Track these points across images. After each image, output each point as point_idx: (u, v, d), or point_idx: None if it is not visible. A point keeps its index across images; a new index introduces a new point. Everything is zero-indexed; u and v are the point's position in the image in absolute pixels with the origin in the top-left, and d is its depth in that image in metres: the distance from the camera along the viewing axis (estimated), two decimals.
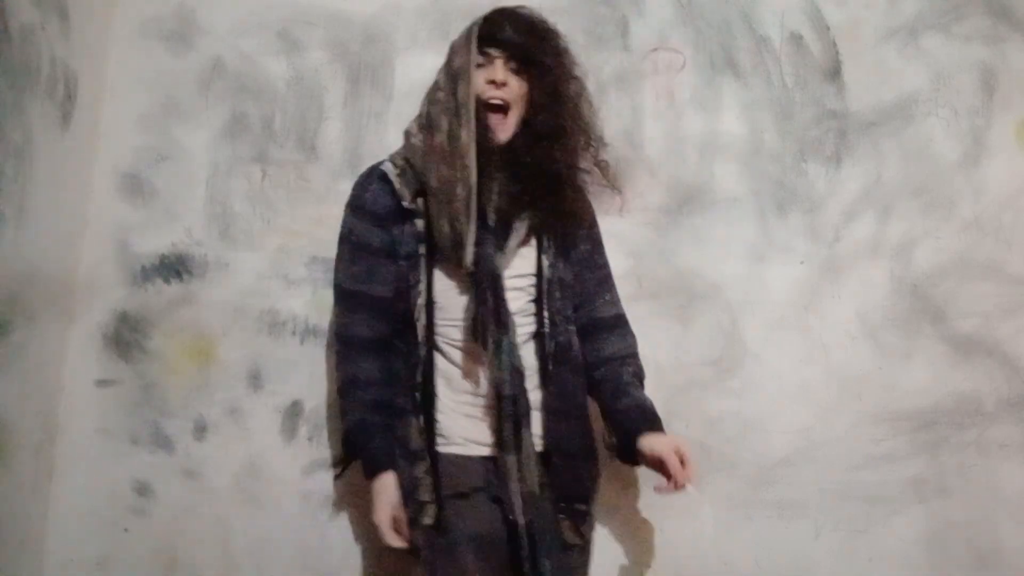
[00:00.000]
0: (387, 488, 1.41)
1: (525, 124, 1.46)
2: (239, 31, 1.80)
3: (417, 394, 1.41)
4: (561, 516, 1.42)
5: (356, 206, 1.50)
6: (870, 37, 1.85)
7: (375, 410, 1.43)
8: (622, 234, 1.78)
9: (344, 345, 1.48)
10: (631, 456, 1.45)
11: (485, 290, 1.39)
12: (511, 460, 1.37)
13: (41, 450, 1.66)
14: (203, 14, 1.80)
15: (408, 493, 1.39)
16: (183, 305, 1.76)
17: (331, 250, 1.75)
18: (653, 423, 1.45)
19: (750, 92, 1.83)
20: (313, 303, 1.77)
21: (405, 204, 1.44)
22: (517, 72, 1.45)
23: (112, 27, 1.78)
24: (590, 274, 1.54)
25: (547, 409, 1.44)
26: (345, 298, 1.49)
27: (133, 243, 1.77)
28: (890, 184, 1.83)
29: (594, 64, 1.80)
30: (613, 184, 1.62)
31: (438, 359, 1.44)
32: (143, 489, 1.74)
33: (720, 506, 1.75)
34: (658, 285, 1.79)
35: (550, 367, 1.45)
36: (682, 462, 1.39)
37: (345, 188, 1.76)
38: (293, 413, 1.75)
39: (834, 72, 1.84)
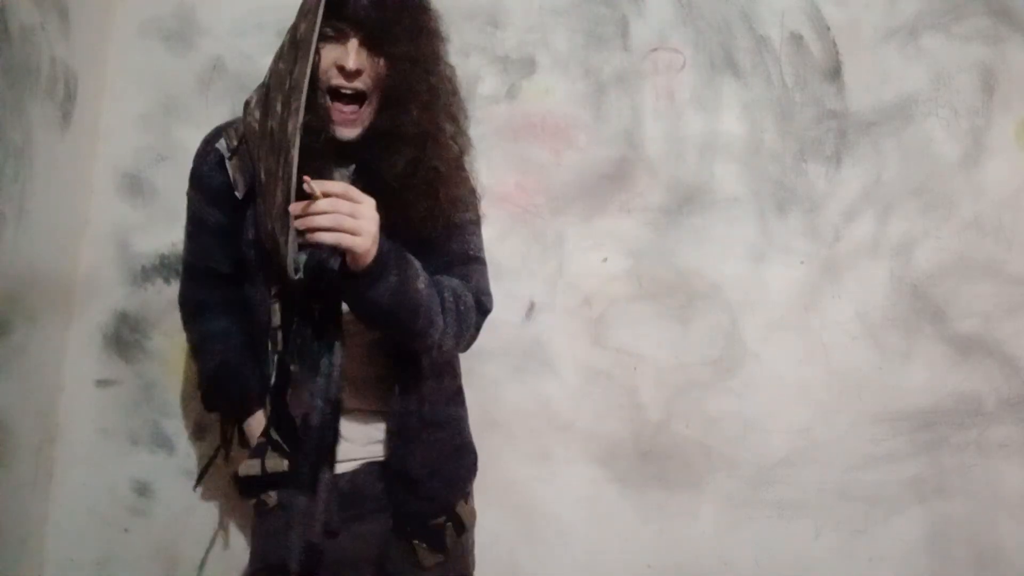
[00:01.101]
0: (253, 431, 1.31)
1: (376, 124, 1.20)
2: (239, 31, 1.80)
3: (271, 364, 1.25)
4: (416, 542, 1.29)
5: (193, 176, 1.33)
6: (870, 37, 1.85)
7: (238, 353, 1.31)
8: (622, 234, 1.78)
9: (193, 312, 1.39)
10: None
11: (311, 303, 1.20)
12: (301, 502, 1.21)
13: (41, 450, 1.66)
14: (203, 14, 1.80)
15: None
16: None
17: None
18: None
19: (750, 92, 1.83)
20: None
21: (238, 195, 1.24)
22: (375, 52, 1.17)
23: (112, 27, 1.78)
24: (434, 260, 1.25)
25: (394, 423, 1.28)
26: (189, 269, 1.40)
27: (133, 243, 1.77)
28: (890, 184, 1.83)
29: (594, 64, 1.81)
30: (470, 192, 1.33)
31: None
32: (143, 489, 1.74)
33: (720, 506, 1.75)
34: (658, 285, 1.79)
35: (394, 375, 1.27)
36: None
37: None
38: None
39: (834, 72, 1.84)
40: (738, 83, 1.83)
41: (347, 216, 1.03)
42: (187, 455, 1.74)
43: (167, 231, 1.77)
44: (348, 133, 1.19)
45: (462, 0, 1.81)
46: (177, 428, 1.74)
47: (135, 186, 1.78)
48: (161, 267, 1.76)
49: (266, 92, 1.19)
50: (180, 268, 1.46)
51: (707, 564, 1.75)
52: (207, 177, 1.29)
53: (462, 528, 1.35)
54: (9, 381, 1.52)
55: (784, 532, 1.75)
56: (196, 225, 1.34)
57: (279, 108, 1.12)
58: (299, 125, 1.07)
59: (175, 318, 1.74)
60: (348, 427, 1.28)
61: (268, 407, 1.27)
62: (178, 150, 1.78)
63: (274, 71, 1.19)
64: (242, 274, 1.30)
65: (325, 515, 1.23)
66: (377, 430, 1.32)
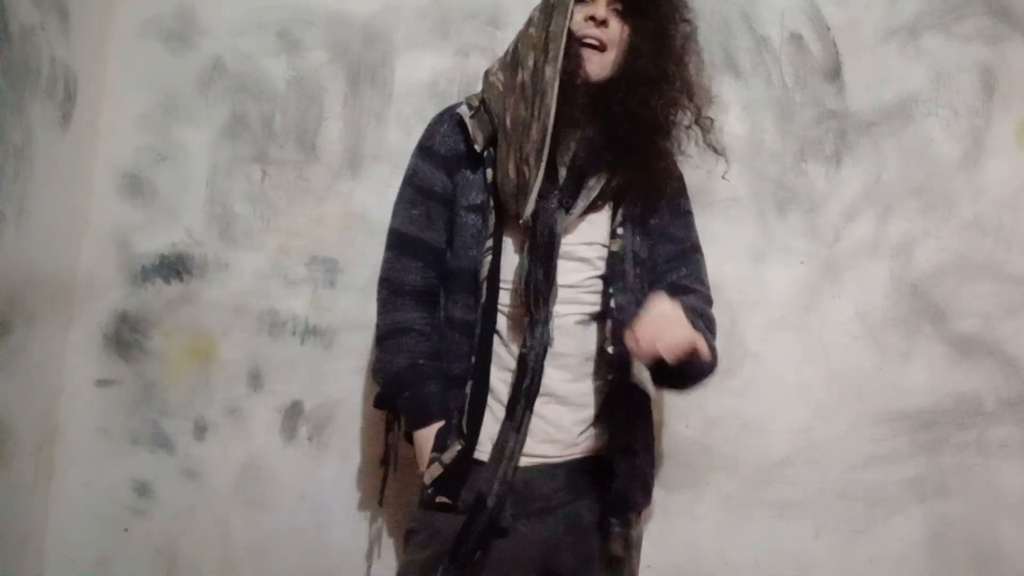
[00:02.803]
0: (426, 444, 1.31)
1: (622, 70, 1.30)
2: (239, 31, 1.80)
3: (469, 360, 1.29)
4: (614, 523, 1.29)
5: (424, 147, 1.39)
6: (870, 37, 1.85)
7: (427, 357, 1.32)
8: None
9: (392, 293, 1.36)
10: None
11: (539, 250, 1.25)
12: (512, 437, 1.24)
13: (41, 450, 1.66)
14: (203, 14, 1.80)
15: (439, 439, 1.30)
16: (183, 305, 1.76)
17: (331, 250, 1.77)
18: (676, 296, 1.23)
19: (750, 92, 1.83)
20: (313, 303, 1.77)
21: (477, 148, 1.32)
22: (621, 15, 1.31)
23: (112, 27, 1.78)
24: (663, 247, 1.38)
25: (609, 400, 1.31)
26: (400, 243, 1.38)
27: (133, 243, 1.77)
28: (890, 184, 1.83)
29: None
30: (716, 146, 1.42)
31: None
32: (143, 489, 1.74)
33: (720, 506, 1.75)
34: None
35: (609, 351, 1.28)
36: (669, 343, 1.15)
37: (345, 188, 1.78)
38: (293, 413, 1.75)
39: (834, 72, 1.84)
40: (738, 83, 1.83)
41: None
42: (187, 455, 1.74)
43: (167, 231, 1.77)
44: (596, 72, 1.29)
45: (462, 0, 1.81)
46: (177, 428, 1.74)
47: (135, 186, 1.78)
48: (161, 267, 1.76)
49: (512, 56, 1.32)
50: (387, 240, 1.42)
51: (707, 564, 1.75)
52: (440, 143, 1.36)
53: (639, 539, 1.38)
54: (9, 381, 1.52)
55: (784, 532, 1.75)
56: (421, 194, 1.37)
57: (531, 62, 1.26)
58: (559, 68, 1.21)
59: (175, 318, 1.75)
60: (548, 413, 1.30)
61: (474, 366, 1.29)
62: (178, 150, 1.78)
63: (523, 36, 1.32)
64: (448, 246, 1.35)
65: (573, 487, 1.29)
66: (581, 419, 1.33)
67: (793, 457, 1.77)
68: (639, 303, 1.27)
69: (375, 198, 1.78)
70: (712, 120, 1.40)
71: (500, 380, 1.30)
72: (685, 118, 1.36)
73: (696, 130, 1.39)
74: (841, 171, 1.83)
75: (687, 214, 1.44)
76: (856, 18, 1.85)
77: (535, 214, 1.24)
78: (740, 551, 1.75)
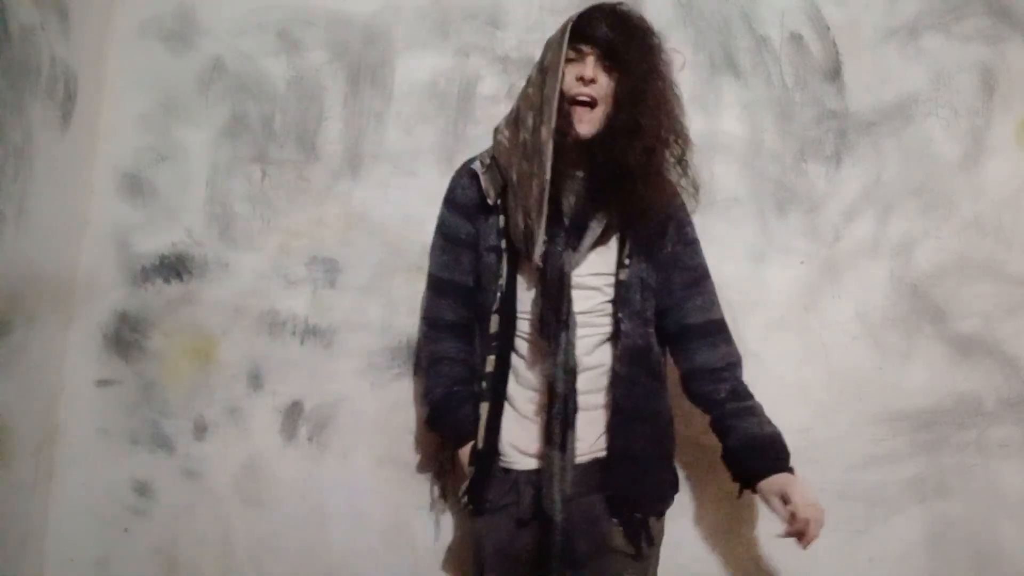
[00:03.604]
0: (465, 462, 1.47)
1: (608, 122, 1.43)
2: (239, 31, 1.80)
3: (484, 383, 1.44)
4: (614, 521, 1.42)
5: (448, 199, 1.55)
6: (870, 37, 1.85)
7: (461, 383, 1.49)
8: None
9: (430, 327, 1.55)
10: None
11: (550, 286, 1.40)
12: (556, 456, 1.37)
13: (41, 450, 1.66)
14: (203, 14, 1.80)
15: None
16: (183, 305, 1.76)
17: (331, 250, 1.78)
18: (765, 460, 1.46)
19: (750, 92, 1.83)
20: (313, 303, 1.77)
21: (489, 201, 1.47)
22: (609, 70, 1.43)
23: (112, 27, 1.78)
24: (678, 276, 1.52)
25: (614, 410, 1.44)
26: (435, 284, 1.55)
27: (133, 243, 1.77)
28: (890, 184, 1.83)
29: None
30: (692, 184, 1.55)
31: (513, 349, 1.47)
32: (143, 489, 1.74)
33: (720, 506, 1.75)
34: None
35: (618, 369, 1.44)
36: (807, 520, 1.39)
37: (345, 188, 1.78)
38: (293, 413, 1.75)
39: (834, 72, 1.84)
40: (738, 83, 1.83)
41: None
42: (187, 455, 1.74)
43: (167, 231, 1.77)
44: (586, 130, 1.42)
45: (462, 0, 1.81)
46: (177, 428, 1.74)
47: (135, 186, 1.78)
48: (161, 267, 1.76)
49: (515, 115, 1.46)
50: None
51: (707, 564, 1.75)
52: (461, 194, 1.53)
53: (651, 540, 1.45)
54: (9, 381, 1.52)
55: None
56: (449, 240, 1.53)
57: (530, 122, 1.40)
58: (552, 129, 1.35)
59: (175, 318, 1.76)
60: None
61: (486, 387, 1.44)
62: (178, 150, 1.79)
63: (523, 96, 1.46)
64: (476, 285, 1.52)
65: (572, 473, 1.39)
66: (603, 425, 1.46)
67: (793, 457, 1.76)
68: (645, 324, 1.47)
69: (375, 198, 1.78)
70: (688, 163, 1.52)
71: (526, 398, 1.45)
72: (669, 158, 1.49)
73: (678, 169, 1.52)
74: (841, 171, 1.83)
75: (694, 242, 1.56)
76: (856, 18, 1.85)
77: (544, 255, 1.39)
78: (740, 551, 1.75)
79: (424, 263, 1.71)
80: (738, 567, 1.75)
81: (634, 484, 1.44)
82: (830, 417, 1.77)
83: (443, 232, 1.55)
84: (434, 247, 1.56)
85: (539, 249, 1.38)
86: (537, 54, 1.75)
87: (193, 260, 1.77)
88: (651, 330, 1.49)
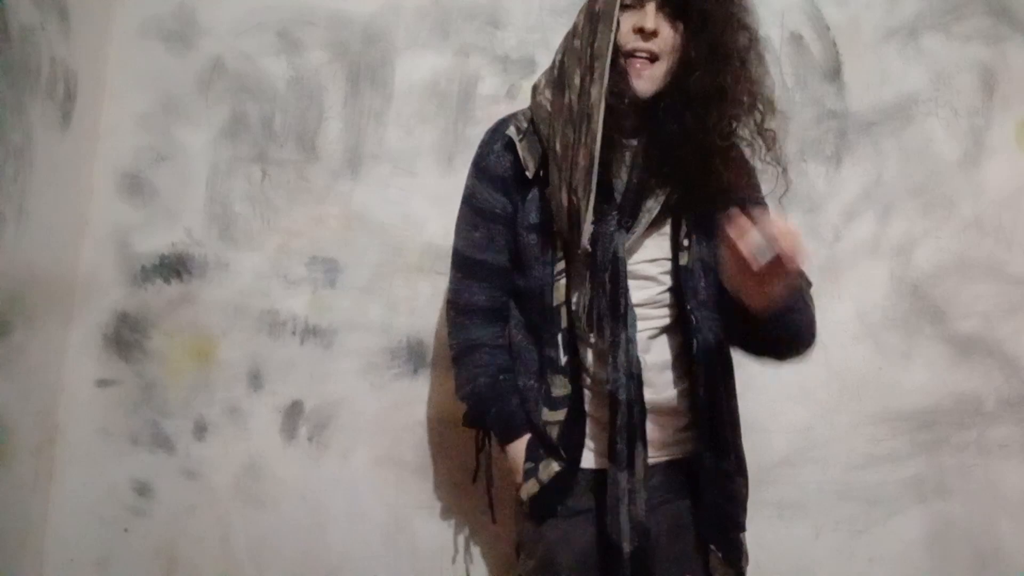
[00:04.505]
0: (518, 456, 1.29)
1: (676, 82, 1.20)
2: (239, 31, 1.80)
3: (548, 382, 1.26)
4: (712, 547, 1.25)
5: (479, 166, 1.34)
6: (870, 37, 1.85)
7: (505, 371, 1.31)
8: None
9: (460, 313, 1.35)
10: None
11: (602, 276, 1.20)
12: (623, 477, 1.19)
13: (41, 450, 1.66)
14: (203, 14, 1.80)
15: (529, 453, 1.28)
16: (183, 305, 1.76)
17: (331, 250, 1.77)
18: None
19: None
20: (313, 303, 1.77)
21: (528, 174, 1.26)
22: (672, 19, 1.20)
23: (112, 27, 1.78)
24: None
25: (696, 414, 1.27)
26: (464, 265, 1.35)
27: (133, 243, 1.77)
28: (890, 184, 1.83)
29: None
30: (777, 160, 1.29)
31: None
32: (143, 489, 1.74)
33: None
34: None
35: (695, 368, 1.25)
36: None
37: (345, 188, 1.78)
38: (293, 413, 1.75)
39: (834, 72, 1.84)
40: None
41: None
42: (187, 455, 1.74)
43: (167, 231, 1.77)
44: (646, 87, 1.20)
45: (462, 0, 1.81)
46: (177, 428, 1.74)
47: (135, 186, 1.78)
48: (161, 267, 1.76)
49: (558, 72, 1.23)
50: (452, 263, 1.38)
51: None
52: (495, 163, 1.30)
53: (747, 555, 1.31)
54: (9, 381, 1.52)
55: (784, 532, 1.75)
56: (481, 215, 1.32)
57: (577, 80, 1.18)
58: (604, 88, 1.14)
59: (175, 318, 1.75)
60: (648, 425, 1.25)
61: (548, 395, 1.26)
62: (178, 150, 1.78)
63: (568, 49, 1.23)
64: (514, 266, 1.31)
65: (647, 492, 1.21)
66: (674, 427, 1.29)
67: (793, 457, 1.77)
68: (714, 314, 1.26)
69: (375, 198, 1.78)
70: (774, 133, 1.27)
71: (593, 406, 1.29)
72: (746, 132, 1.25)
73: (759, 142, 1.27)
74: (841, 171, 1.83)
75: (760, 205, 1.32)
76: (856, 18, 1.85)
77: (594, 238, 1.20)
78: None
79: (424, 263, 1.72)
80: None
81: (726, 500, 1.27)
82: (830, 417, 1.77)
83: (474, 206, 1.33)
84: (463, 222, 1.35)
85: (586, 234, 1.18)
86: (538, 55, 1.76)
87: (193, 260, 1.77)
88: (719, 318, 1.28)
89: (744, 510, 1.33)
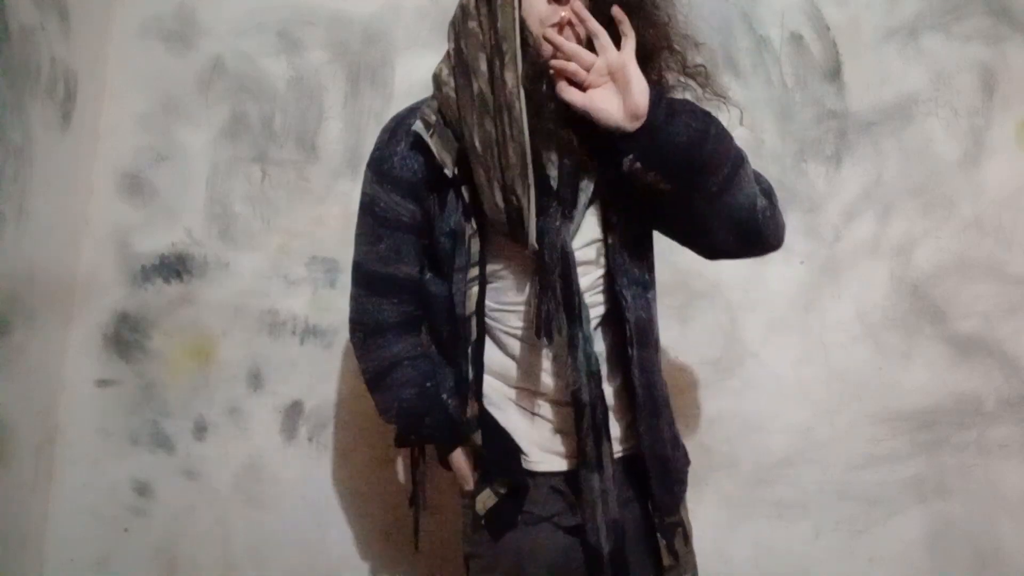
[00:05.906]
0: (463, 463, 1.21)
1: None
2: (239, 31, 1.80)
3: (461, 396, 1.18)
4: (658, 535, 1.20)
5: (381, 171, 1.19)
6: (870, 37, 1.85)
7: (431, 378, 1.21)
8: None
9: (369, 334, 1.23)
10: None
11: (551, 276, 1.10)
12: (595, 479, 1.13)
13: (41, 450, 1.66)
14: (203, 14, 1.80)
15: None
16: (183, 305, 1.76)
17: (331, 250, 1.77)
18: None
19: (750, 92, 1.83)
20: (313, 303, 1.77)
21: (447, 173, 1.13)
22: None
23: (112, 27, 1.78)
24: None
25: (635, 403, 1.18)
26: (368, 281, 1.22)
27: (133, 243, 1.77)
28: (890, 184, 1.83)
29: None
30: (716, 93, 1.18)
31: (488, 349, 1.20)
32: (143, 489, 1.74)
33: (720, 506, 1.75)
34: (658, 284, 1.78)
35: (632, 353, 1.16)
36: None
37: (345, 188, 1.77)
38: (293, 413, 1.75)
39: (834, 72, 1.84)
40: (738, 83, 1.83)
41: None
42: (187, 455, 1.74)
43: (167, 231, 1.77)
44: None
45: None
46: (177, 428, 1.74)
47: (135, 186, 1.78)
48: (161, 267, 1.76)
49: (457, 60, 1.11)
50: (351, 277, 1.26)
51: (707, 564, 1.74)
52: (400, 166, 1.16)
53: (686, 536, 1.26)
54: (9, 381, 1.52)
55: (784, 532, 1.75)
56: (385, 225, 1.18)
57: (484, 66, 1.06)
58: (520, 73, 1.03)
59: (175, 318, 1.75)
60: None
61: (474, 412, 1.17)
62: (178, 150, 1.78)
63: (462, 33, 1.10)
64: (423, 275, 1.22)
65: (617, 490, 1.16)
66: (625, 419, 1.22)
67: (793, 457, 1.77)
68: (645, 290, 1.19)
69: None
70: (704, 67, 1.17)
71: (530, 401, 1.21)
72: (670, 77, 1.15)
73: (691, 84, 1.16)
74: (841, 171, 1.83)
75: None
76: (856, 18, 1.85)
77: (539, 236, 1.08)
78: (740, 551, 1.75)
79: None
80: (738, 567, 1.75)
81: (665, 486, 1.21)
82: (830, 417, 1.77)
83: (376, 215, 1.18)
84: (364, 233, 1.21)
85: (533, 233, 1.07)
86: None
87: (193, 260, 1.77)
88: (652, 292, 1.21)
89: (682, 491, 1.28)
